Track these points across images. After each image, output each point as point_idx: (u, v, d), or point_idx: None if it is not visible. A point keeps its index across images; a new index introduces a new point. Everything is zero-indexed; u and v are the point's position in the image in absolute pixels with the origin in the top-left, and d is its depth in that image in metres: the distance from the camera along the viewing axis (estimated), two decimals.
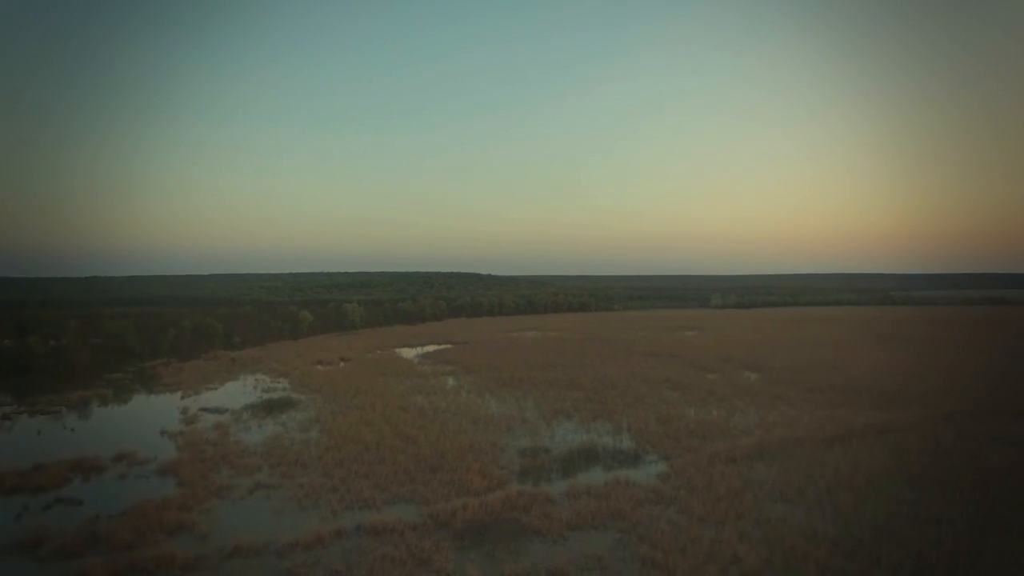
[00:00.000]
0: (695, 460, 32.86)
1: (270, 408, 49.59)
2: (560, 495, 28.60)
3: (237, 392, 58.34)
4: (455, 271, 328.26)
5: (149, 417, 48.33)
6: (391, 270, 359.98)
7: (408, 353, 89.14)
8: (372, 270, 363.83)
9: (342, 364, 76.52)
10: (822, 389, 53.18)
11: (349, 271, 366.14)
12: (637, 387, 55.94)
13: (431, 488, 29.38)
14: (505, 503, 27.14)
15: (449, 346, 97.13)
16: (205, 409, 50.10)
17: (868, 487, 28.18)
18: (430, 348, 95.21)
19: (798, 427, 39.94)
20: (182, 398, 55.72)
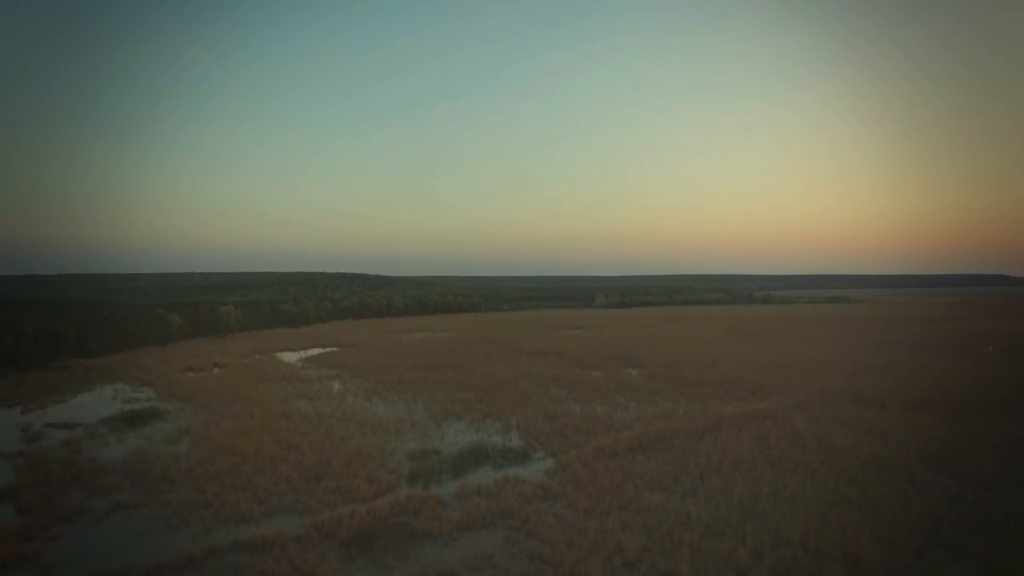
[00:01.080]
0: (581, 455, 34.02)
1: (132, 420, 45.26)
2: (450, 496, 28.51)
3: (92, 404, 52.75)
4: (341, 271, 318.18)
5: None
6: (271, 270, 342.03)
7: (290, 357, 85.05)
8: (251, 270, 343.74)
9: (216, 370, 71.55)
10: (695, 383, 57.00)
11: (224, 271, 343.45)
12: (525, 386, 57.02)
13: (315, 497, 28.19)
14: (394, 508, 26.62)
15: (335, 349, 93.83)
16: (52, 425, 44.77)
17: (735, 472, 30.55)
18: (314, 351, 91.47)
19: (674, 419, 42.52)
20: (23, 413, 49.47)
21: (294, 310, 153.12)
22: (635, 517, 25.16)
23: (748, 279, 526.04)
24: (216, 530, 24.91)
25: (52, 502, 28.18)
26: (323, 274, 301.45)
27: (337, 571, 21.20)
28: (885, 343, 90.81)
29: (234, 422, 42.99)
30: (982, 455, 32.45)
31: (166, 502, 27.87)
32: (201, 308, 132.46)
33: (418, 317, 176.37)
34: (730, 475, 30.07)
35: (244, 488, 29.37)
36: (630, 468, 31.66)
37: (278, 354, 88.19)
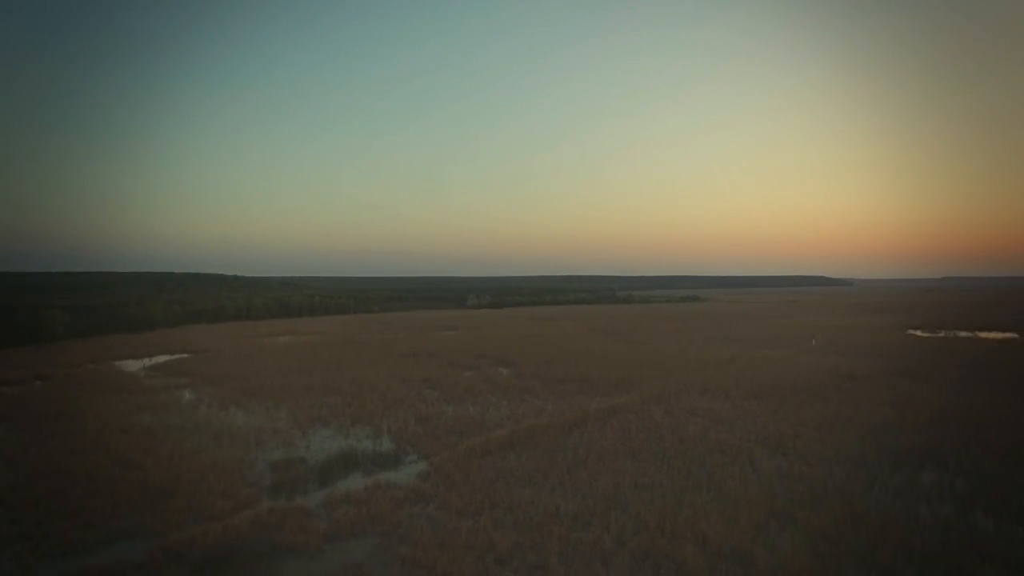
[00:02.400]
0: (453, 456, 33.97)
1: None
2: (317, 506, 27.22)
3: None
4: (193, 271, 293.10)
5: None
6: (111, 269, 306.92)
7: (132, 366, 76.89)
8: (87, 269, 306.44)
9: (38, 383, 62.96)
10: (563, 380, 59.15)
11: (51, 271, 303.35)
12: (397, 388, 55.99)
13: (162, 518, 25.63)
14: (255, 523, 24.91)
15: (186, 355, 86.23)
16: None
17: (600, 464, 32.04)
18: (162, 359, 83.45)
19: (543, 416, 43.80)
20: None
21: (137, 314, 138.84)
22: (507, 514, 25.54)
23: (611, 280, 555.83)
24: (36, 566, 21.85)
25: None
26: (171, 274, 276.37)
27: None
28: (728, 338, 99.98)
29: (62, 440, 38.02)
30: (807, 435, 36.69)
31: None
32: (18, 312, 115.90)
33: (281, 320, 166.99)
34: (596, 467, 31.48)
35: (74, 515, 26.04)
36: (502, 466, 32.12)
37: (118, 363, 79.38)
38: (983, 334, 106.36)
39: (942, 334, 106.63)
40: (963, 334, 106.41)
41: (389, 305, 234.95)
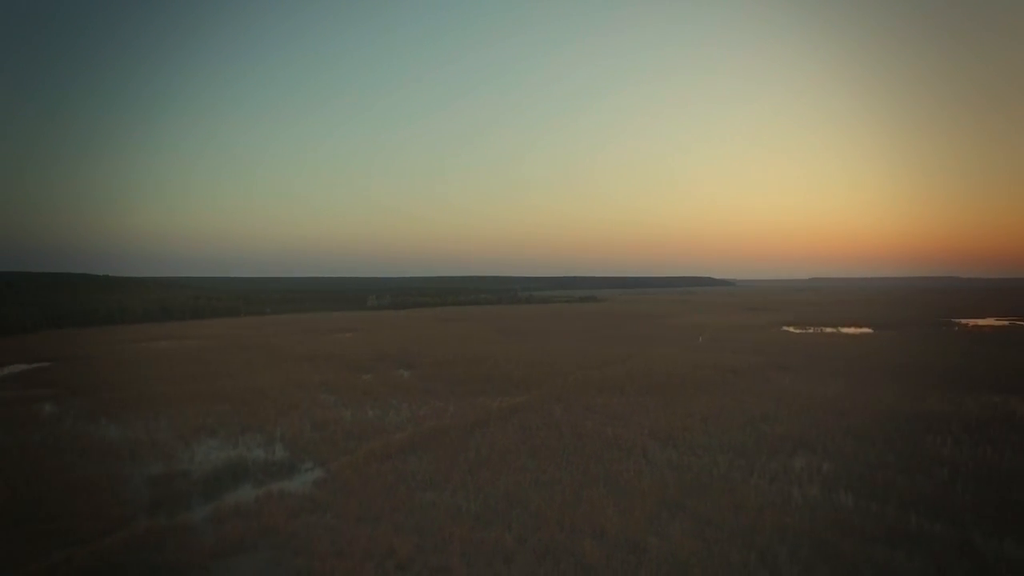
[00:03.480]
0: (352, 461, 32.98)
1: None
2: (202, 522, 25.45)
3: None
4: (56, 271, 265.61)
5: None
6: None
7: None
8: None
9: None
10: (464, 380, 59.11)
11: None
12: (292, 393, 53.58)
13: (16, 546, 22.95)
14: (129, 544, 22.89)
15: (47, 364, 77.96)
16: None
17: (502, 463, 32.30)
18: (18, 368, 74.92)
19: (445, 417, 43.54)
20: None
21: None
22: (407, 518, 25.12)
23: (513, 280, 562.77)
24: None
25: None
26: (26, 274, 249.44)
27: None
28: (623, 336, 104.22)
29: None
30: (695, 427, 38.93)
31: None
32: None
33: (162, 324, 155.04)
34: (497, 466, 31.69)
35: None
36: (402, 469, 31.58)
37: None
38: (844, 329, 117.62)
39: (811, 330, 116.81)
40: (828, 330, 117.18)
41: (283, 307, 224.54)
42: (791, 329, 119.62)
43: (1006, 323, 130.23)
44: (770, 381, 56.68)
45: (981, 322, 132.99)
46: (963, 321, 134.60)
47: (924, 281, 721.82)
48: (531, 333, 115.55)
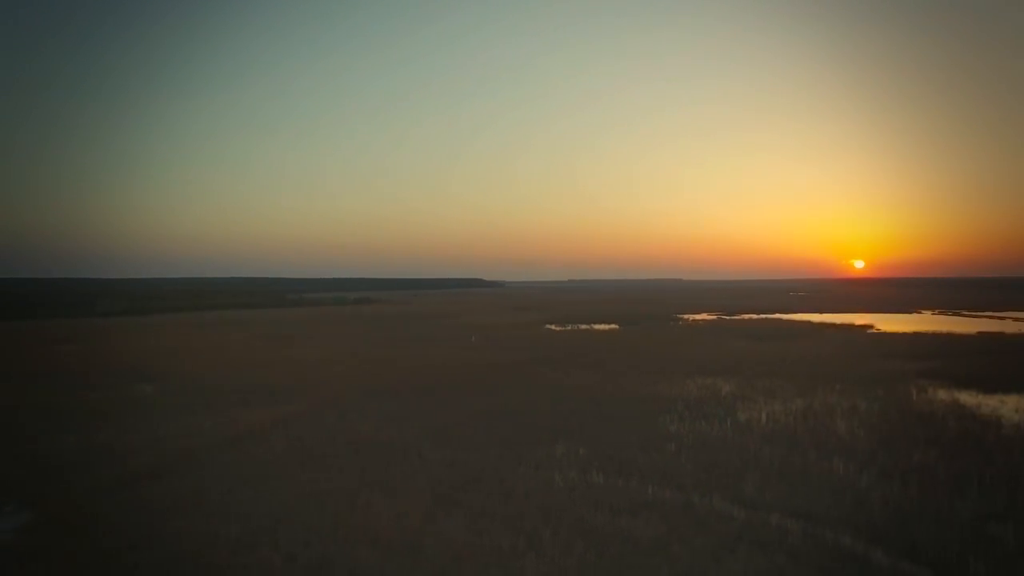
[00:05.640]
0: (72, 497, 27.66)
1: None
2: None
3: None
4: None
5: None
6: None
7: None
8: None
9: None
10: (222, 392, 53.58)
11: None
12: None
13: None
14: None
15: None
16: None
17: (265, 479, 29.83)
18: None
19: (199, 435, 38.92)
20: None
21: None
22: (148, 553, 21.83)
23: (281, 282, 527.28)
24: None
25: None
26: None
27: None
28: (399, 338, 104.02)
29: None
30: (468, 424, 40.35)
31: None
32: None
33: None
34: (261, 484, 29.22)
35: None
36: (144, 498, 27.40)
37: None
38: (597, 326, 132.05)
39: (570, 327, 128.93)
40: (583, 327, 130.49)
41: None
42: (553, 327, 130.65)
43: (714, 317, 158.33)
44: (535, 375, 61.17)
45: (698, 317, 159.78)
46: (685, 316, 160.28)
47: (660, 283, 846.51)
48: (301, 338, 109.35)
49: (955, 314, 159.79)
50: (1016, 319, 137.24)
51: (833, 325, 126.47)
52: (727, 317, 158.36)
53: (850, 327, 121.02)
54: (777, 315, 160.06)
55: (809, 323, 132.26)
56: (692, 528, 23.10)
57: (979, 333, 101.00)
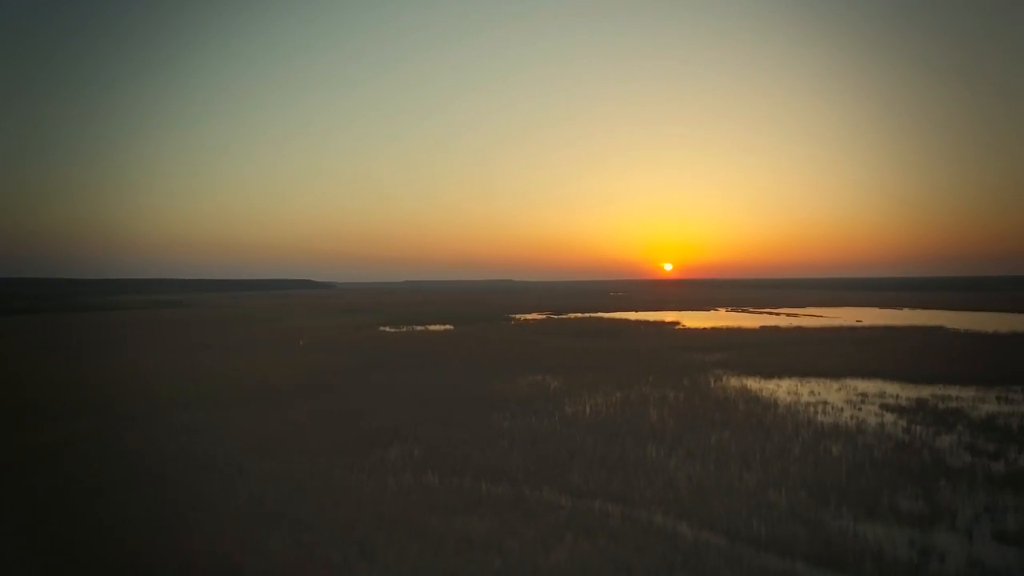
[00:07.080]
0: None
1: None
2: None
3: None
4: None
5: None
6: None
7: None
8: None
9: None
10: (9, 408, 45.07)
11: None
12: None
13: None
14: None
15: None
16: None
17: (48, 510, 25.64)
18: None
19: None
20: None
21: None
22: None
23: (68, 283, 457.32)
24: None
25: None
26: None
27: None
28: (215, 345, 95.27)
29: None
30: (292, 434, 38.05)
31: None
32: None
33: None
34: (43, 515, 25.04)
35: None
36: None
37: None
38: (432, 327, 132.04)
39: (404, 329, 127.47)
40: (418, 328, 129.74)
41: None
42: (387, 329, 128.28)
43: (543, 316, 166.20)
44: (367, 379, 59.52)
45: (528, 317, 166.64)
46: (516, 316, 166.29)
47: (493, 284, 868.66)
48: (93, 344, 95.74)
49: (743, 311, 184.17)
50: (788, 314, 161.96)
51: (647, 322, 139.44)
52: (555, 316, 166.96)
53: (660, 324, 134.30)
54: (599, 314, 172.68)
55: (627, 321, 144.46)
56: (523, 521, 23.94)
57: (760, 327, 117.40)
